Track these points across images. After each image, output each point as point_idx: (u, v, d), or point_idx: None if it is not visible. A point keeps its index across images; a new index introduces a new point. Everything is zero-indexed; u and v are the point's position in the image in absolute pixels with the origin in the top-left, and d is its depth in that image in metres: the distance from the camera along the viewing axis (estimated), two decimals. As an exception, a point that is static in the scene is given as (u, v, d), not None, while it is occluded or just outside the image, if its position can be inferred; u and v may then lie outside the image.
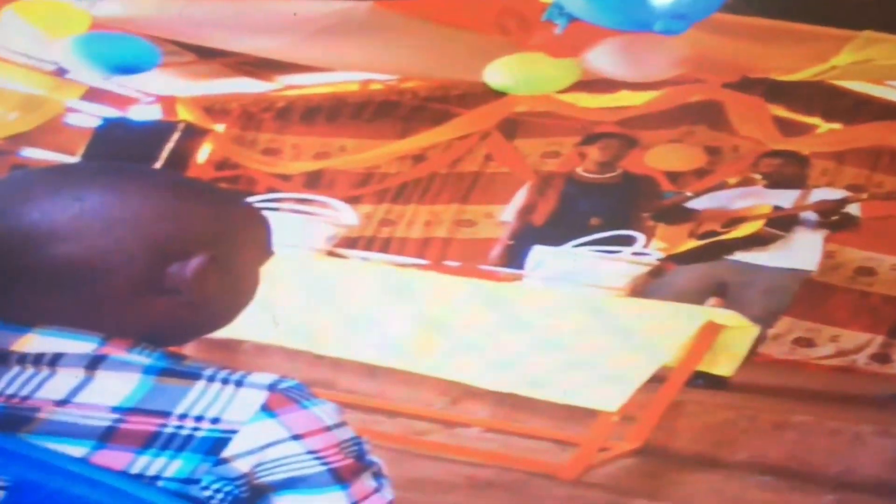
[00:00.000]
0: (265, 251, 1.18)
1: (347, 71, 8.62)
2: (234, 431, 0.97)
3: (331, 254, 4.63)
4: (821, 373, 7.46)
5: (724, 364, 4.34)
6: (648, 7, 3.87)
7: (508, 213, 6.28)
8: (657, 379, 3.92)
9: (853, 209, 5.44)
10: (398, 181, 9.20)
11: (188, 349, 1.42)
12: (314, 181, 9.16)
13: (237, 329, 1.25)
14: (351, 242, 7.19)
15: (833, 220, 5.41)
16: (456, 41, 5.62)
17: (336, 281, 4.43)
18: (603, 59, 5.02)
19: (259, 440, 0.97)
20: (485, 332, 4.12)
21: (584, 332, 3.98)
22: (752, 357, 5.06)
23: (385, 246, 8.75)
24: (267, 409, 0.98)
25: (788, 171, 5.74)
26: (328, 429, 1.01)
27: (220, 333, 1.19)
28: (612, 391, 3.81)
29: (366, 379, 5.03)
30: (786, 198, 5.56)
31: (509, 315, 4.11)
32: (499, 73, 5.27)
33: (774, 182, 5.67)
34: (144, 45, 5.91)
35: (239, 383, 1.00)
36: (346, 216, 4.66)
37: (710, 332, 4.02)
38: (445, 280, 4.40)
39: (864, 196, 5.58)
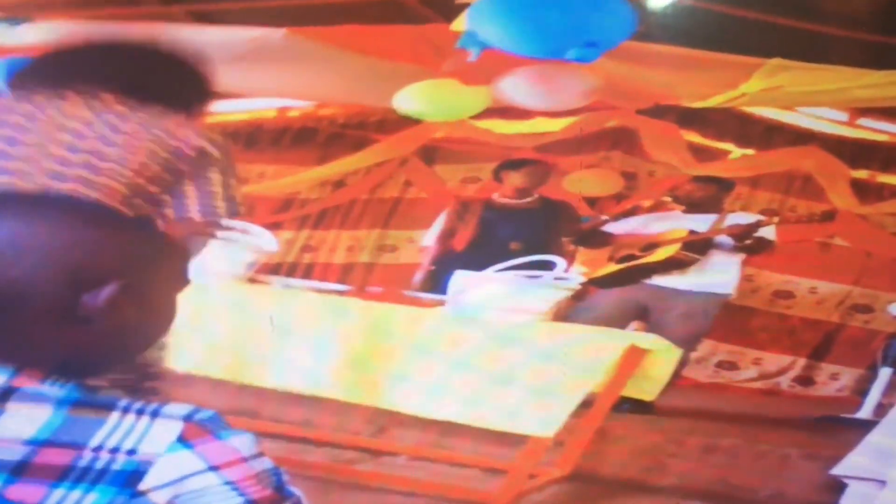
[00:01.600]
0: (181, 279, 1.18)
1: (264, 98, 8.60)
2: (150, 463, 0.96)
3: (252, 280, 4.57)
4: (746, 396, 7.53)
5: (648, 388, 4.33)
6: (560, 35, 3.93)
7: (429, 238, 6.28)
8: (583, 404, 3.91)
9: (768, 233, 5.52)
10: (319, 207, 9.16)
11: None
12: (234, 208, 9.04)
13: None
14: (273, 269, 7.14)
15: (748, 243, 5.48)
16: (371, 69, 5.62)
17: (259, 308, 4.37)
18: (514, 89, 5.04)
19: (176, 472, 0.96)
20: (411, 358, 4.08)
21: (510, 357, 3.95)
22: (676, 381, 5.08)
23: (308, 272, 8.66)
24: (183, 440, 0.98)
25: (705, 196, 5.80)
26: (245, 460, 1.01)
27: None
28: (545, 416, 3.78)
29: (291, 407, 4.93)
30: (701, 222, 5.63)
31: (434, 340, 4.08)
32: (407, 99, 5.26)
33: (691, 206, 5.73)
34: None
35: (154, 414, 0.99)
36: (266, 242, 4.62)
37: (634, 356, 4.02)
38: (369, 306, 4.34)
39: (776, 220, 5.65)
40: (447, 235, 6.08)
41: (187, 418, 1.00)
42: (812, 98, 6.00)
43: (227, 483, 0.98)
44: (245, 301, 4.41)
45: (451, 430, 4.41)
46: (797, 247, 7.48)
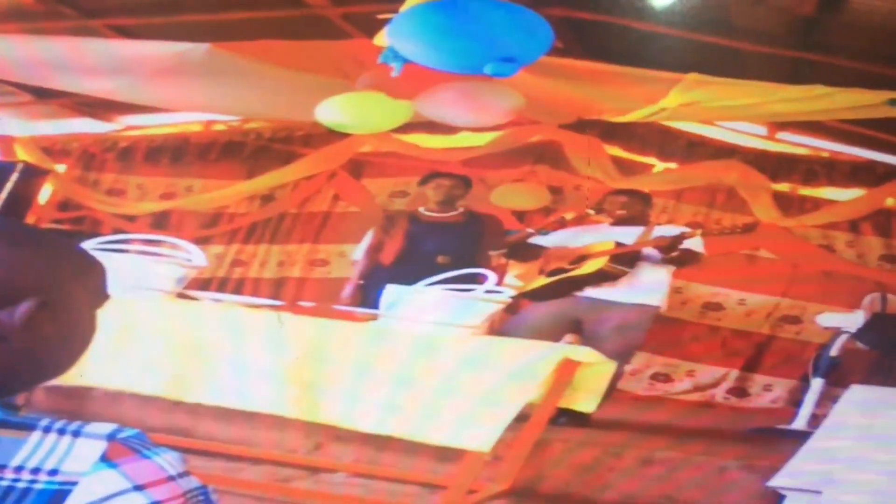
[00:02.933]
0: (100, 295, 1.15)
1: (188, 112, 8.54)
2: (73, 483, 0.94)
3: (182, 296, 4.51)
4: (681, 408, 7.54)
5: (584, 401, 4.30)
6: (477, 51, 3.95)
7: (358, 252, 6.26)
8: (519, 417, 3.88)
9: (696, 245, 5.54)
10: (248, 221, 9.07)
11: (37, 399, 1.38)
12: (161, 222, 8.97)
13: (85, 376, 1.22)
14: (203, 284, 7.10)
15: (675, 255, 5.48)
16: (296, 83, 5.61)
17: (189, 323, 4.30)
18: (437, 106, 5.07)
19: (100, 491, 0.94)
20: (345, 372, 4.04)
21: (444, 371, 3.94)
22: (612, 394, 5.05)
23: (239, 287, 8.59)
24: (107, 460, 0.96)
25: (631, 208, 5.81)
26: (171, 478, 0.99)
27: (70, 381, 1.16)
28: (481, 431, 3.76)
29: (225, 424, 4.84)
30: (628, 235, 5.63)
31: (368, 355, 4.06)
32: (329, 110, 5.24)
33: (618, 219, 5.76)
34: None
35: (76, 433, 0.98)
36: (195, 257, 4.57)
37: (568, 368, 4.00)
38: (302, 321, 4.29)
39: (699, 232, 5.71)
40: (375, 249, 6.04)
41: (111, 437, 0.98)
42: (730, 112, 6.08)
43: (154, 503, 0.96)
44: (176, 316, 4.35)
45: (388, 446, 4.37)
46: (724, 259, 7.52)
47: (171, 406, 4.63)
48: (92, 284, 1.14)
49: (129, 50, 5.66)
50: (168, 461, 1.00)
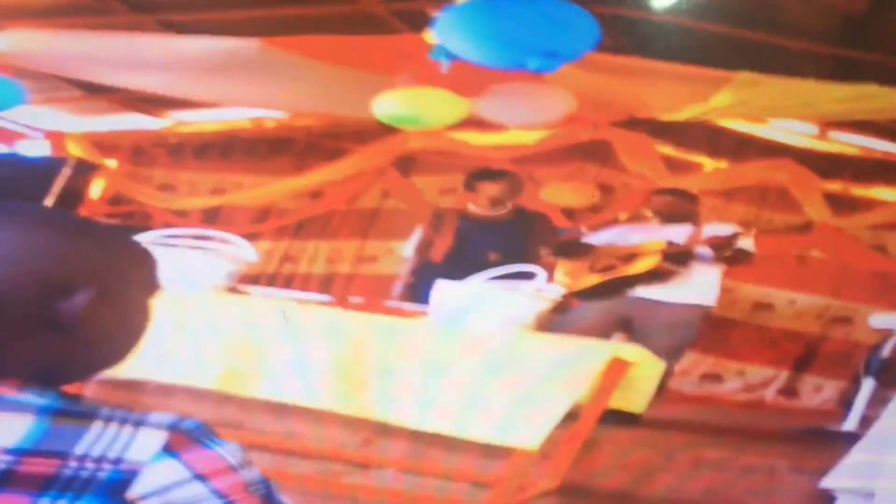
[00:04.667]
0: (152, 286, 1.17)
1: (238, 107, 8.57)
2: (136, 472, 0.95)
3: (232, 290, 4.51)
4: (731, 408, 7.49)
5: (634, 400, 4.25)
6: (520, 45, 3.95)
7: (408, 249, 6.25)
8: (568, 417, 3.82)
9: (747, 245, 5.46)
10: (297, 217, 9.09)
11: (89, 391, 1.39)
12: (212, 217, 8.98)
13: (140, 368, 1.23)
14: (253, 279, 7.13)
15: (727, 255, 5.42)
16: (346, 79, 5.63)
17: (240, 318, 4.28)
18: (495, 106, 5.08)
19: (162, 480, 0.95)
20: (395, 368, 4.00)
21: (493, 368, 3.88)
22: (662, 393, 5.05)
23: (288, 282, 8.62)
24: (168, 449, 0.97)
25: (679, 207, 5.76)
26: (233, 469, 1.00)
27: (123, 373, 1.17)
28: (529, 428, 3.70)
29: (275, 419, 4.81)
30: (678, 234, 5.58)
31: (418, 350, 4.01)
32: (387, 105, 5.23)
33: (666, 218, 5.69)
34: (6, 82, 5.80)
35: (138, 423, 0.99)
36: (245, 252, 4.59)
37: (618, 367, 3.93)
38: (353, 316, 4.27)
39: (754, 231, 5.64)
40: (425, 246, 6.05)
41: (172, 427, 0.99)
42: (782, 111, 6.04)
43: (215, 492, 0.96)
44: (227, 311, 4.34)
45: (437, 442, 4.32)
46: (774, 259, 7.47)
47: (223, 399, 4.61)
48: (145, 274, 1.16)
49: (180, 46, 5.69)
50: (229, 451, 1.01)
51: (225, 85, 5.94)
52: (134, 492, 0.94)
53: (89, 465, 0.94)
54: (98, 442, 0.96)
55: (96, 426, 0.97)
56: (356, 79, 5.58)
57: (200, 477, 0.97)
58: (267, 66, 5.44)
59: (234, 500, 0.98)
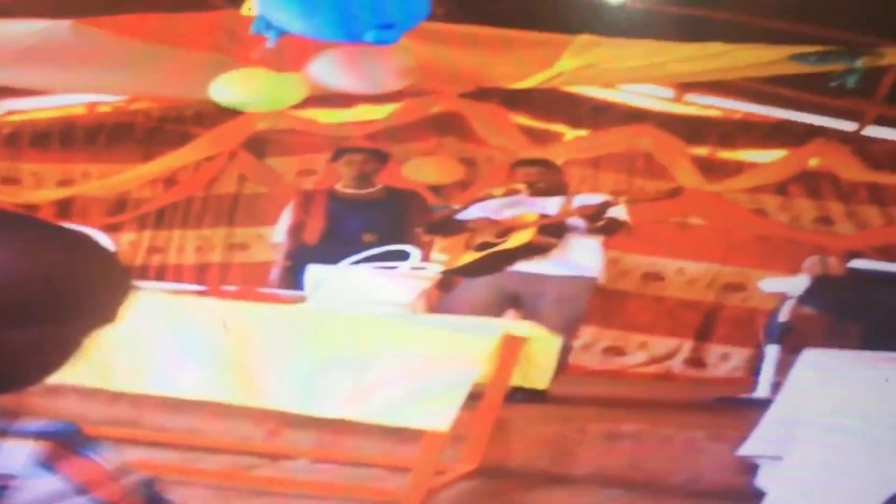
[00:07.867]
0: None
1: (62, 93, 8.23)
2: (3, 487, 0.90)
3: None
4: (641, 381, 7.53)
5: (536, 377, 4.30)
6: (355, 18, 3.76)
7: (278, 233, 6.18)
8: (473, 397, 3.79)
9: (620, 213, 5.47)
10: (155, 206, 8.81)
11: None
12: (65, 210, 8.66)
13: None
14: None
15: (600, 224, 5.41)
16: (172, 59, 5.33)
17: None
18: (324, 71, 4.83)
19: (38, 494, 0.90)
20: (282, 357, 3.89)
21: (384, 351, 3.83)
22: (565, 369, 5.16)
23: (160, 274, 8.40)
24: (44, 462, 0.92)
25: (546, 178, 5.71)
26: (110, 474, 0.95)
27: None
28: (433, 410, 3.64)
29: (173, 415, 4.76)
30: (550, 205, 5.56)
31: (303, 338, 3.92)
32: (224, 89, 5.01)
33: (537, 191, 5.64)
34: None
35: (3, 432, 0.93)
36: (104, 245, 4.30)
37: (512, 344, 3.98)
38: (233, 306, 4.15)
39: (623, 199, 5.60)
40: (297, 230, 5.99)
41: (42, 435, 0.93)
42: (630, 74, 5.97)
43: (95, 502, 0.92)
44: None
45: (347, 430, 4.35)
46: (655, 228, 7.60)
47: (114, 398, 4.54)
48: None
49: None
50: (104, 456, 0.96)
51: (42, 69, 5.60)
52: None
53: None
54: None
55: None
56: (183, 58, 5.30)
57: (80, 489, 0.92)
58: (81, 48, 5.09)
59: None
